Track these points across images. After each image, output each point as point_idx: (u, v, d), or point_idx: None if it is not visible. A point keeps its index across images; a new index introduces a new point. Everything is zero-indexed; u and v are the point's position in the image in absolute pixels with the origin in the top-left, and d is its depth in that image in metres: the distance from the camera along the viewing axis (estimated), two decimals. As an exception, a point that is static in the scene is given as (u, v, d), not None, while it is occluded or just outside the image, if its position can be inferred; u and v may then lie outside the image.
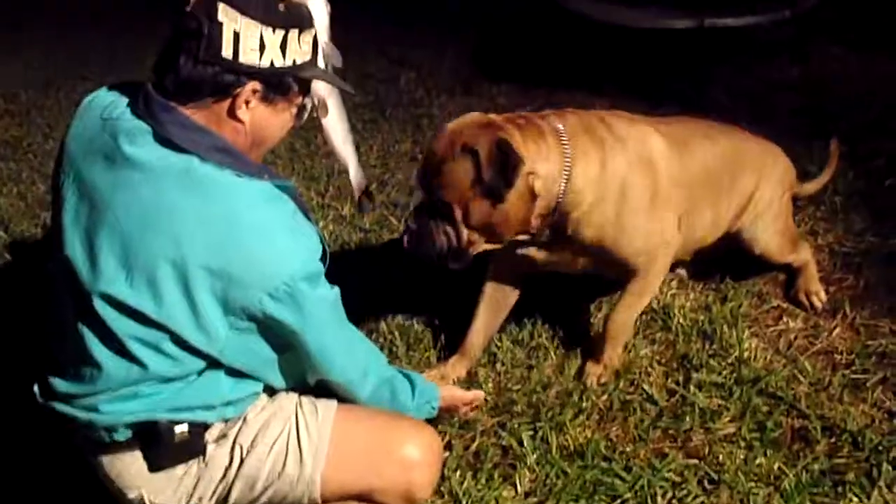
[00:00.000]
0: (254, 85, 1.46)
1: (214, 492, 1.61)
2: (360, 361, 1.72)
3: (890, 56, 4.47)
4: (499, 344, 2.47)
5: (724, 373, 2.32)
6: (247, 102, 1.48)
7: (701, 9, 4.49)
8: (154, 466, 1.56)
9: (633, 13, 4.55)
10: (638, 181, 2.11)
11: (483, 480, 2.04)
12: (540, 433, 2.16)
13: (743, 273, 2.73)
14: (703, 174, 2.31)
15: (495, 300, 2.40)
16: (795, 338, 2.47)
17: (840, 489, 1.95)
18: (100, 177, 1.47)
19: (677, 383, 2.30)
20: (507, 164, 1.91)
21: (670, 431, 2.16)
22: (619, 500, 1.97)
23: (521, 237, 2.11)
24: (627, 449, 2.11)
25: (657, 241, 2.19)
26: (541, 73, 4.59)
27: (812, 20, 4.73)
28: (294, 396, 1.70)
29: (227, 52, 1.42)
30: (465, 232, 1.99)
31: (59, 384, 1.54)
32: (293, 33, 1.47)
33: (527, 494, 2.02)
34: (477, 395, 2.13)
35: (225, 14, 1.40)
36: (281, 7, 1.45)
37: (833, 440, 2.10)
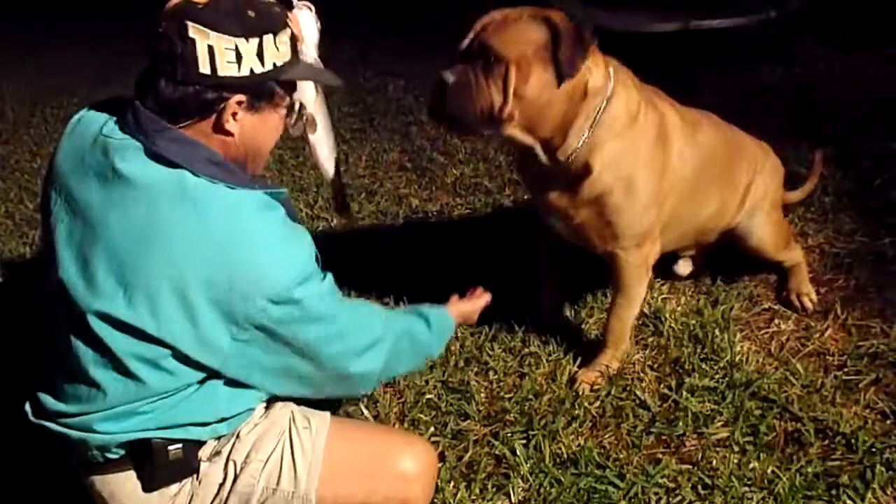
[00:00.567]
0: (238, 97, 1.45)
1: (208, 510, 1.60)
2: (375, 329, 1.68)
3: (876, 56, 4.50)
4: (490, 352, 2.47)
5: (717, 377, 2.32)
6: (234, 115, 1.47)
7: (687, 11, 4.52)
8: (148, 486, 1.55)
9: (620, 17, 4.56)
10: (657, 152, 2.11)
11: (477, 491, 2.04)
12: (533, 442, 2.15)
13: (734, 276, 2.74)
14: (711, 159, 2.31)
15: (552, 267, 2.57)
16: (787, 340, 2.48)
17: (834, 492, 1.95)
18: (92, 194, 1.46)
19: (669, 388, 2.31)
20: (582, 38, 1.88)
21: (663, 437, 2.16)
22: (613, 508, 1.97)
23: (547, 163, 2.05)
24: (621, 456, 2.11)
25: (647, 227, 2.17)
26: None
27: (798, 21, 4.76)
28: (287, 411, 1.70)
29: (204, 68, 1.40)
30: (511, 100, 1.89)
31: (53, 403, 1.52)
32: (268, 38, 1.45)
33: (521, 504, 2.02)
34: (483, 300, 2.14)
35: (196, 31, 1.39)
36: (251, 13, 1.43)
37: (826, 442, 2.10)
